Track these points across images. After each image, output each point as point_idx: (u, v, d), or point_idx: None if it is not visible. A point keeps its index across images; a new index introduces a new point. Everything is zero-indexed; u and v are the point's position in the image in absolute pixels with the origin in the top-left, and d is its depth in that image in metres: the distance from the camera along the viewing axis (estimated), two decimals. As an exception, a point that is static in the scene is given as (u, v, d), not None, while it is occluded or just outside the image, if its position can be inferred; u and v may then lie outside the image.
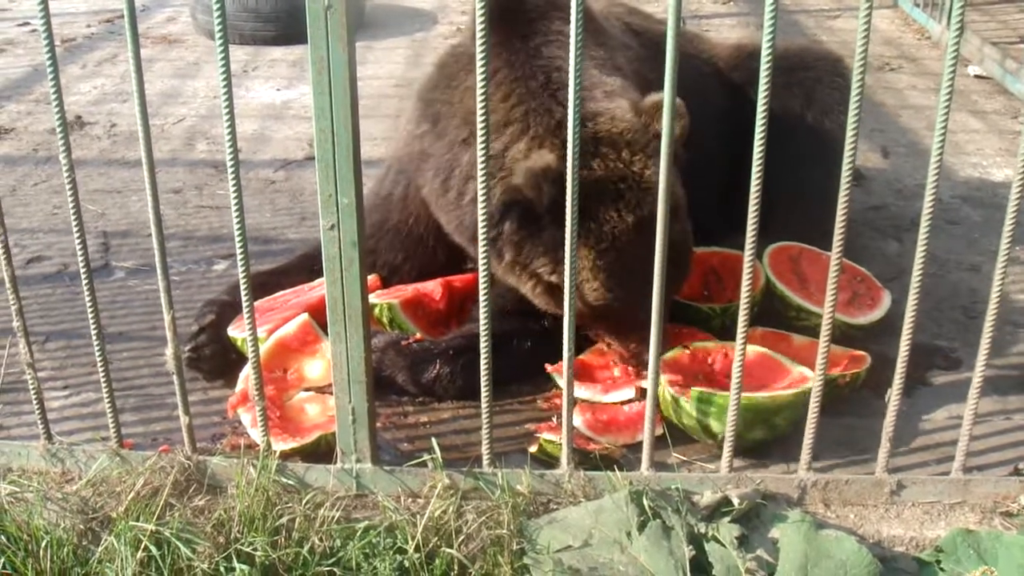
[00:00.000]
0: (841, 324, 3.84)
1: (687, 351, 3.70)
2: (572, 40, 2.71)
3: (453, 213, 3.68)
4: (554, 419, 3.56)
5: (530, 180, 3.29)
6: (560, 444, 3.24)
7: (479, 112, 2.80)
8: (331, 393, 3.21)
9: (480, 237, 2.94)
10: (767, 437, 3.42)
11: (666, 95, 2.77)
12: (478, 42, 2.73)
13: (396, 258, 4.12)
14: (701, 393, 3.38)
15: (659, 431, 3.34)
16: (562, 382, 3.13)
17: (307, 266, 4.11)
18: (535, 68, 3.58)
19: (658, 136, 3.34)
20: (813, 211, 4.08)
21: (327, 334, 3.13)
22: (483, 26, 2.72)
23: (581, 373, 3.67)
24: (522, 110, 3.47)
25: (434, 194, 3.76)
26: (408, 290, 4.01)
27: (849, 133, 2.82)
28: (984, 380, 3.15)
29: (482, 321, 3.00)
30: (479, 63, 2.75)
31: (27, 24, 8.57)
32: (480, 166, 2.87)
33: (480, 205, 2.90)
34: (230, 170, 2.93)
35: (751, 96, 2.80)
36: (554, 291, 3.50)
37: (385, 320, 3.86)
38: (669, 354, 3.64)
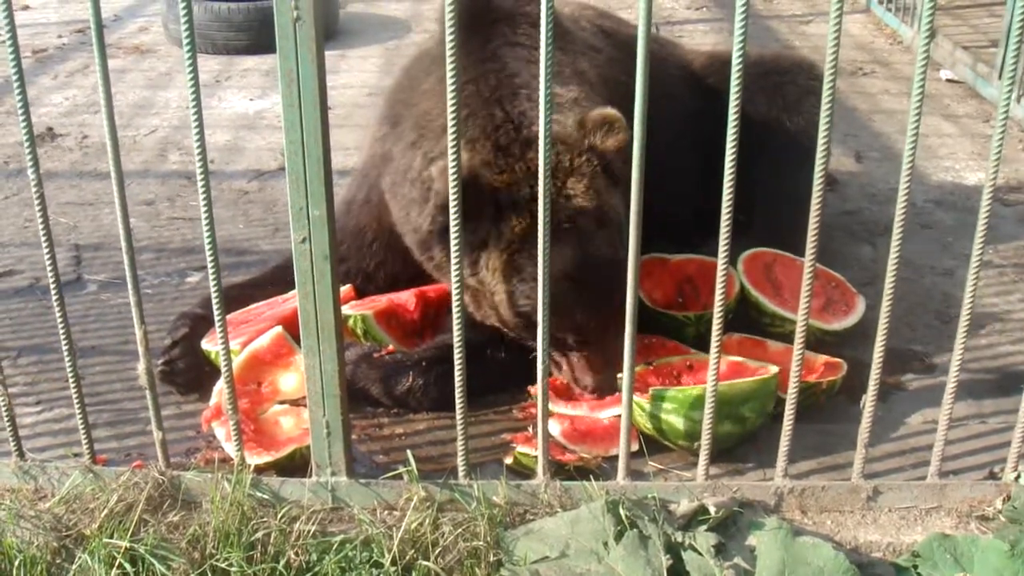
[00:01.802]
0: (816, 330, 3.86)
1: (650, 367, 3.70)
2: (543, 45, 2.71)
3: (403, 215, 3.69)
4: (530, 429, 3.55)
5: (444, 181, 3.24)
6: (535, 457, 3.23)
7: (449, 117, 2.80)
8: (305, 406, 3.20)
9: (452, 242, 2.93)
10: (737, 432, 3.43)
11: (637, 101, 2.77)
12: (447, 46, 2.73)
13: (368, 265, 4.11)
14: (656, 391, 3.40)
15: (634, 447, 3.34)
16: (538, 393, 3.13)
17: (281, 278, 4.09)
18: (487, 72, 3.58)
19: (592, 149, 3.42)
20: (787, 216, 4.08)
21: (300, 346, 3.12)
22: (452, 30, 2.71)
23: (564, 391, 3.69)
24: (464, 114, 3.45)
25: (391, 197, 3.78)
26: (382, 301, 4.00)
27: (821, 137, 2.83)
28: (959, 384, 3.16)
29: (455, 331, 3.00)
30: (448, 68, 2.75)
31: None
32: (451, 169, 2.86)
33: (452, 207, 2.89)
34: (200, 181, 2.92)
35: (726, 101, 2.79)
36: (476, 296, 3.54)
37: (359, 332, 3.86)
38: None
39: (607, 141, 3.40)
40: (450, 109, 2.79)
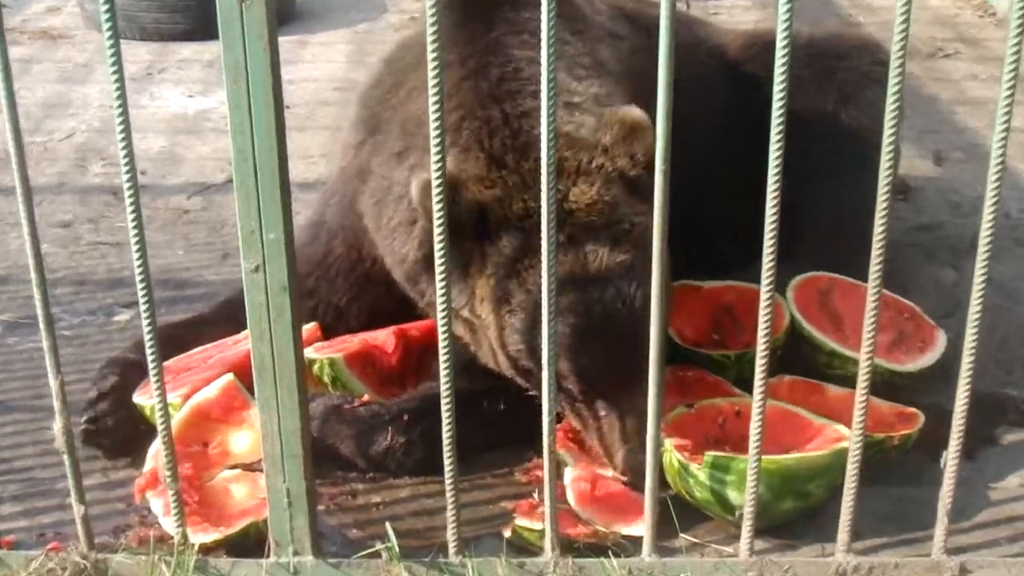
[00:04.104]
0: (884, 372, 3.87)
1: (692, 410, 3.73)
2: (544, 32, 2.75)
3: (387, 243, 3.73)
4: (535, 495, 3.58)
5: (422, 195, 3.27)
6: (539, 531, 3.25)
7: (432, 117, 2.83)
8: (261, 471, 3.22)
9: (437, 265, 2.96)
10: (799, 508, 3.45)
11: (660, 97, 2.80)
12: (429, 34, 2.77)
13: (339, 300, 4.15)
14: (716, 458, 3.41)
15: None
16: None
17: (231, 315, 4.05)
18: (488, 65, 3.62)
19: (607, 153, 3.44)
20: (848, 233, 4.12)
21: (254, 397, 3.14)
22: (434, 15, 2.75)
23: (581, 441, 3.69)
24: (457, 116, 3.51)
25: (372, 220, 3.81)
26: (354, 341, 4.02)
27: (887, 135, 2.84)
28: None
29: (443, 377, 3.02)
30: (431, 59, 2.78)
31: None
32: (435, 181, 2.90)
33: (437, 226, 2.93)
34: (128, 197, 2.93)
35: (769, 93, 2.82)
36: (475, 333, 3.58)
37: (327, 379, 3.89)
38: (671, 415, 3.67)
39: (629, 146, 3.44)
40: (432, 108, 2.82)
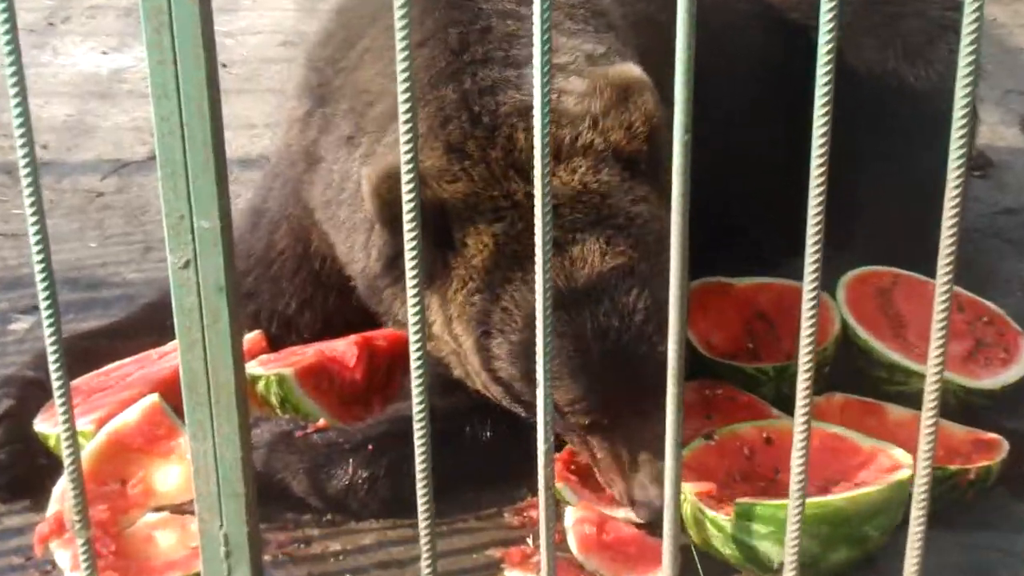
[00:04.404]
0: (958, 389, 3.88)
1: (711, 441, 3.74)
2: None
3: (344, 247, 3.74)
4: (529, 541, 3.60)
5: (372, 193, 3.32)
6: (534, 585, 3.26)
7: (400, 88, 2.82)
8: (193, 513, 3.18)
9: (408, 264, 2.90)
10: (853, 558, 3.46)
11: (679, 54, 2.80)
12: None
13: (288, 305, 4.18)
14: (744, 506, 3.41)
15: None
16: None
17: (156, 321, 4.13)
18: (448, 26, 3.58)
19: (595, 126, 3.40)
20: (913, 218, 4.08)
21: (184, 423, 3.11)
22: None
23: (589, 475, 3.72)
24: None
25: (324, 217, 3.83)
26: (307, 353, 4.04)
27: (960, 97, 2.82)
28: None
29: (416, 396, 2.96)
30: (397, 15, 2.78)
31: None
32: (405, 157, 2.88)
33: (407, 216, 2.89)
34: (26, 177, 2.90)
35: (816, 45, 2.81)
36: (456, 354, 3.60)
37: (274, 400, 3.91)
38: (686, 450, 3.61)
39: (625, 115, 3.42)
40: (401, 83, 2.79)
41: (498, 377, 3.48)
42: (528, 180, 3.32)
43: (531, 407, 3.43)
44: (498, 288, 3.35)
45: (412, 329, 2.95)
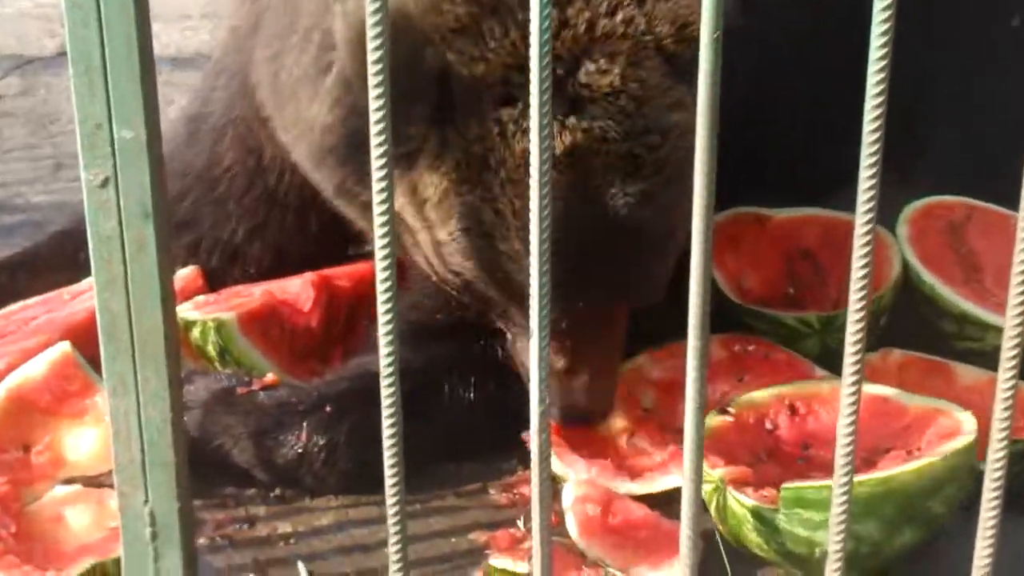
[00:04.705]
0: (1043, 347, 3.91)
1: (729, 416, 3.75)
2: None
3: (292, 114, 3.70)
4: (519, 523, 3.63)
5: (351, 34, 3.24)
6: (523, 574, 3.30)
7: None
8: (111, 487, 3.20)
9: (374, 142, 2.71)
10: (919, 538, 3.48)
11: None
12: None
13: (234, 232, 4.21)
14: (793, 492, 3.41)
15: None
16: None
17: (67, 254, 4.17)
18: None
19: (640, 4, 3.39)
20: (993, 140, 4.15)
21: (102, 377, 3.11)
22: None
23: (592, 444, 3.76)
24: None
25: (267, 84, 3.81)
26: (255, 295, 4.06)
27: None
28: None
29: (383, 345, 2.96)
30: None
31: None
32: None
33: (373, 78, 2.76)
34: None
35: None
36: (408, 230, 3.58)
37: (212, 350, 3.93)
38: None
39: (678, 8, 3.42)
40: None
41: (465, 279, 3.50)
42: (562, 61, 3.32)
43: (490, 304, 3.51)
44: (496, 188, 3.35)
45: (379, 229, 2.76)
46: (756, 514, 3.45)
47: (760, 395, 3.81)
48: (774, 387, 3.81)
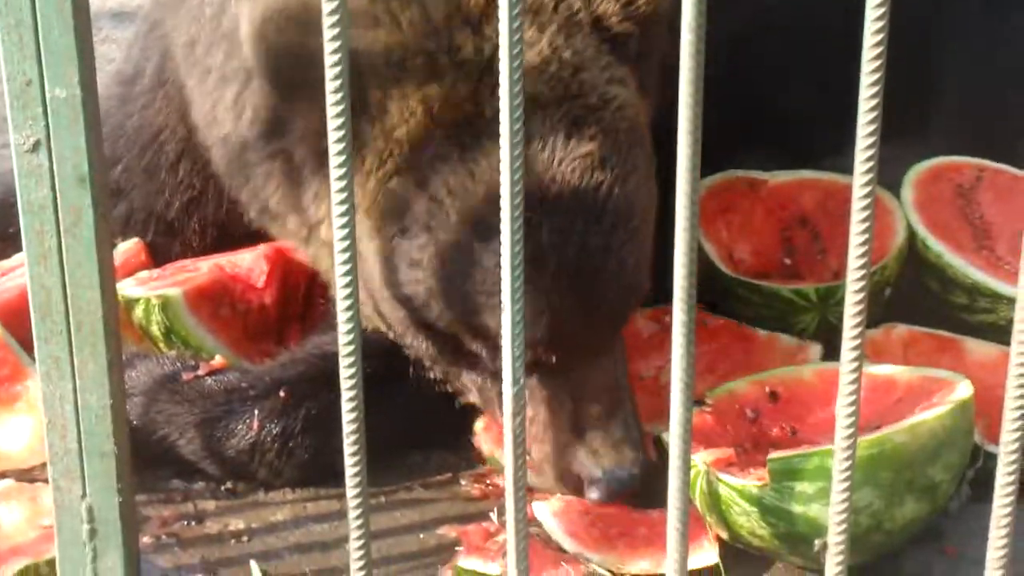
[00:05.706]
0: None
1: (707, 407, 3.70)
2: None
3: (205, 92, 3.65)
4: (492, 516, 3.56)
5: (255, 31, 3.24)
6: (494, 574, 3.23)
7: None
8: (44, 481, 3.17)
9: (332, 130, 2.71)
10: (926, 512, 3.43)
11: None
12: None
13: (167, 205, 4.15)
14: (781, 463, 3.35)
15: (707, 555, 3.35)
16: (498, 448, 3.08)
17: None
18: None
19: None
20: (1006, 98, 4.13)
21: (34, 360, 3.06)
22: None
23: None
24: None
25: (182, 55, 3.75)
26: (203, 270, 4.00)
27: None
28: None
29: (341, 323, 2.87)
30: None
31: None
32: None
33: (331, 68, 2.73)
34: None
35: None
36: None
37: (156, 330, 3.86)
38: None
39: None
40: None
41: (404, 295, 3.39)
42: (480, 32, 3.28)
43: (444, 342, 3.42)
44: (426, 170, 3.26)
45: (337, 223, 2.78)
46: (744, 494, 3.40)
47: (738, 384, 3.80)
48: (752, 375, 3.80)
